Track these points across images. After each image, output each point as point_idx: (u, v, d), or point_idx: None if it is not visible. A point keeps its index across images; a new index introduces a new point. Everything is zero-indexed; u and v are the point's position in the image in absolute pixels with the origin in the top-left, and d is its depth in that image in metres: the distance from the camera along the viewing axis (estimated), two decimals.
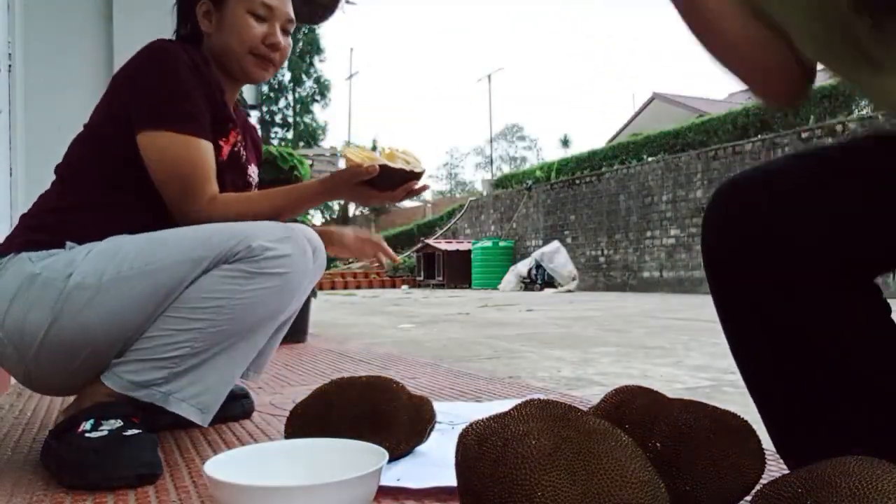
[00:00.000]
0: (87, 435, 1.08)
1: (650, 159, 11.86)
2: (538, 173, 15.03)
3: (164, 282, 1.12)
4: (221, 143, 1.32)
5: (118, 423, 1.11)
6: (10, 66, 2.43)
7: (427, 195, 39.58)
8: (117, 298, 1.11)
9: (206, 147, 1.23)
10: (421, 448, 1.20)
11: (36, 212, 1.25)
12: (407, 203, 36.26)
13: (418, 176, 1.27)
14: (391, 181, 1.25)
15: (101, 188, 1.24)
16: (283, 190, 1.31)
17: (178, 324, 1.12)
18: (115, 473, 1.05)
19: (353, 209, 30.93)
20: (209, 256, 1.13)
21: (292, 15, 1.40)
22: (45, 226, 1.20)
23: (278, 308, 1.19)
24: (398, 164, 1.24)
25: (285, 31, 1.39)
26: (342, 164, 1.29)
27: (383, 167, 1.22)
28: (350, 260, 19.57)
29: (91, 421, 1.10)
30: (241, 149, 1.40)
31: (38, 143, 2.60)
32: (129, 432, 1.10)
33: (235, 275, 1.12)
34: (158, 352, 1.12)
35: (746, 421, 0.89)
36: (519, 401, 0.82)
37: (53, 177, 1.29)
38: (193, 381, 1.13)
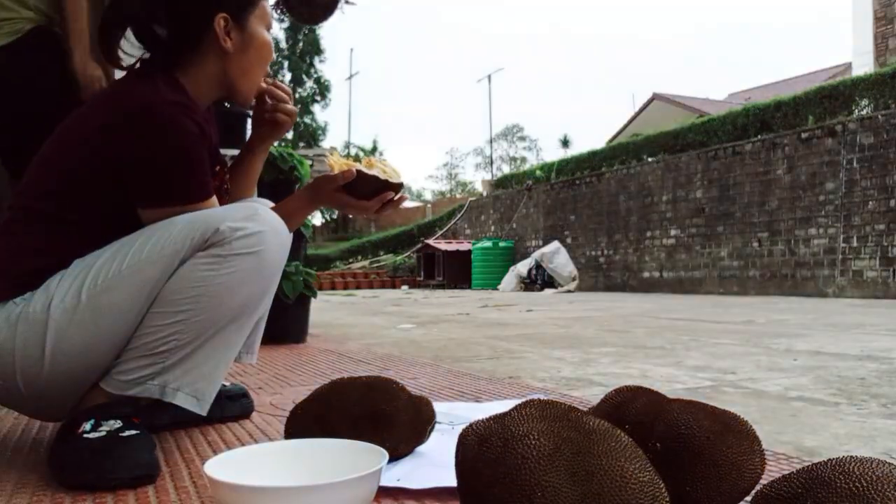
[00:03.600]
0: (85, 435, 1.09)
1: (650, 159, 11.86)
2: (538, 173, 15.02)
3: (142, 283, 1.11)
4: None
5: (117, 423, 1.11)
6: None
7: (427, 195, 39.58)
8: (101, 310, 1.10)
9: (213, 203, 1.23)
10: (421, 448, 1.20)
11: (18, 256, 1.16)
12: (407, 203, 36.22)
13: (395, 187, 1.28)
14: (366, 188, 1.26)
15: (89, 232, 1.17)
16: (277, 207, 1.32)
17: (161, 319, 1.11)
18: (111, 474, 1.05)
19: None
20: (182, 249, 1.12)
21: None
22: (36, 270, 1.14)
23: (259, 288, 1.17)
24: (374, 172, 1.26)
25: None
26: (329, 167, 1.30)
27: (359, 172, 1.24)
28: (350, 260, 19.58)
29: (91, 421, 1.11)
30: (223, 182, 1.40)
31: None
32: (127, 433, 1.10)
33: (209, 261, 1.11)
34: (146, 349, 1.12)
35: (746, 421, 0.89)
36: (519, 401, 0.82)
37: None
38: (186, 371, 1.13)
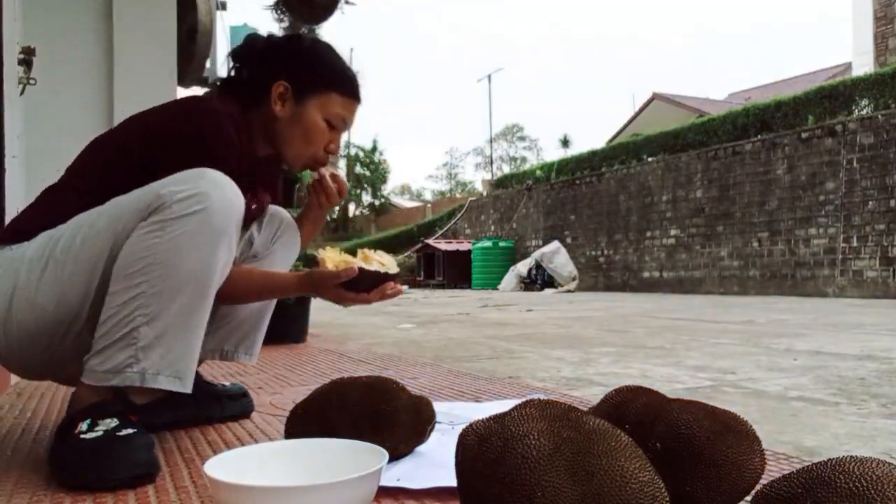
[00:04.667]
0: (82, 436, 1.08)
1: (650, 159, 11.86)
2: (538, 173, 15.03)
3: (94, 253, 1.14)
4: None
5: (114, 422, 1.11)
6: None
7: (427, 195, 39.52)
8: (57, 274, 1.14)
9: None
10: (421, 448, 1.20)
11: (29, 214, 1.26)
12: (407, 203, 36.22)
13: (393, 277, 1.30)
14: (366, 283, 1.27)
15: (91, 201, 1.22)
16: (265, 276, 1.36)
17: (120, 297, 1.11)
18: (111, 474, 1.05)
19: (353, 209, 30.95)
20: (128, 219, 1.13)
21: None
22: (37, 226, 1.20)
23: (206, 249, 1.14)
24: (373, 267, 1.26)
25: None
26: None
27: (360, 270, 1.24)
28: None
29: (88, 421, 1.10)
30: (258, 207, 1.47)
31: (38, 143, 2.60)
32: (124, 432, 1.10)
33: (152, 228, 1.11)
34: (115, 332, 1.11)
35: (746, 421, 0.89)
36: (519, 401, 0.82)
37: (53, 176, 1.29)
38: (163, 354, 1.12)
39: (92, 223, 1.16)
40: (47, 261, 1.15)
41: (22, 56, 2.29)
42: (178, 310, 1.13)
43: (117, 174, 1.23)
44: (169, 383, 1.13)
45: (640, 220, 11.77)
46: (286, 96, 1.36)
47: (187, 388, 1.16)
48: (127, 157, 1.24)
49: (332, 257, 1.27)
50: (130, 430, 1.11)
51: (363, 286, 1.27)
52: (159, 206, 1.12)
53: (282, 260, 1.54)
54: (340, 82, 1.39)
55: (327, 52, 1.42)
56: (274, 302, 1.49)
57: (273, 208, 1.56)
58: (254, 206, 1.46)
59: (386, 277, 1.29)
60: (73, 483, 1.05)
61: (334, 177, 1.53)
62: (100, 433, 1.09)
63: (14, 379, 2.14)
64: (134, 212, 1.13)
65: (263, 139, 1.41)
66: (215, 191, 1.14)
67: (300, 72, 1.37)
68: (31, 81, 2.34)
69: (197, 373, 1.54)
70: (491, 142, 33.71)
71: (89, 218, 1.17)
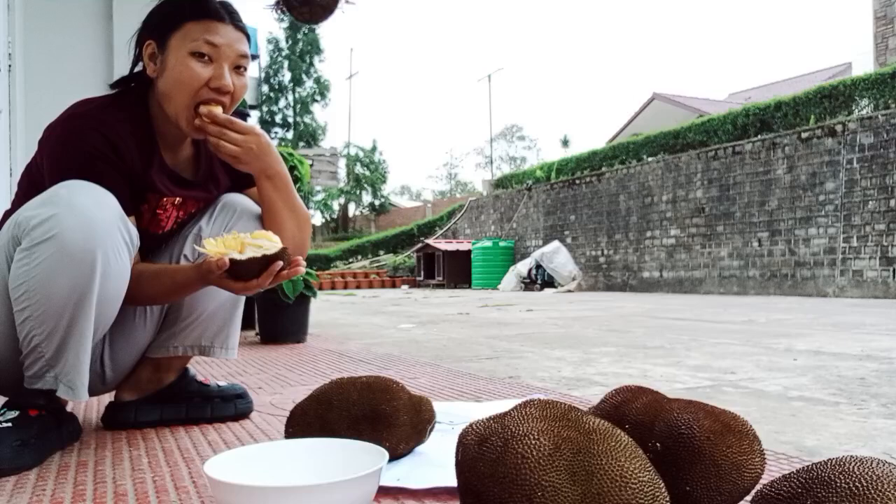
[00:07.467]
0: None
1: (650, 159, 11.86)
2: (538, 173, 15.02)
3: None
4: (143, 209, 1.34)
5: (13, 413, 1.18)
6: (10, 66, 2.43)
7: (427, 195, 39.52)
8: None
9: None
10: (421, 448, 1.20)
11: None
12: (407, 203, 36.20)
13: (277, 257, 1.21)
14: (249, 271, 1.20)
15: None
16: (171, 275, 1.29)
17: (18, 318, 1.17)
18: None
19: (353, 209, 30.95)
20: (8, 246, 1.18)
21: (245, 50, 1.31)
22: None
23: (70, 275, 1.13)
24: (248, 254, 1.19)
25: (238, 69, 1.30)
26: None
27: (232, 261, 1.19)
28: (350, 260, 19.61)
29: (3, 409, 1.20)
30: (164, 211, 1.38)
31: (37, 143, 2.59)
32: (3, 425, 1.16)
33: (23, 256, 1.14)
34: (24, 347, 1.18)
35: (746, 421, 0.89)
36: (519, 401, 0.82)
37: None
38: (64, 364, 1.18)
39: None
40: None
41: None
42: (66, 326, 1.16)
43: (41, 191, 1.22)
44: (64, 392, 1.20)
45: (640, 220, 11.77)
46: (155, 55, 1.28)
47: (80, 397, 1.21)
48: (41, 174, 1.26)
49: (213, 246, 1.20)
50: (6, 424, 1.16)
51: (248, 273, 1.21)
52: (22, 233, 1.15)
53: None
54: (190, 9, 1.27)
55: None
56: (98, 279, 1.20)
57: (227, 197, 1.47)
58: (177, 216, 1.40)
59: (267, 260, 1.20)
60: None
61: (213, 118, 1.28)
62: None
63: None
64: (10, 239, 1.18)
65: (164, 118, 1.31)
66: (68, 212, 1.12)
67: (156, 22, 1.29)
68: None
69: (189, 372, 1.55)
70: (491, 142, 33.72)
71: None
